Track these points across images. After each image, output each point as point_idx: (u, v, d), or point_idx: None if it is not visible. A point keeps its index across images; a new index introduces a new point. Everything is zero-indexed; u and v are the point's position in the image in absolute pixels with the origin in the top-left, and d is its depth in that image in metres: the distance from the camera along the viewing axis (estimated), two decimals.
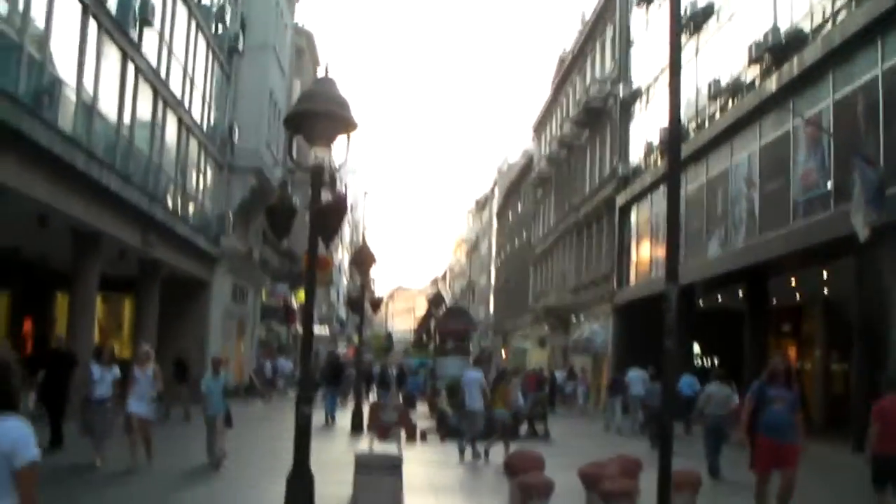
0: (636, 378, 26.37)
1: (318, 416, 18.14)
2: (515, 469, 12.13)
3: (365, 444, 20.92)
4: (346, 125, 9.40)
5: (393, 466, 10.14)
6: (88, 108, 19.52)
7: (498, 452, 17.04)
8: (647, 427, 23.60)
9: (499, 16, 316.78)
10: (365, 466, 9.99)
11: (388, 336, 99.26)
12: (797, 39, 22.92)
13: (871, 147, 18.56)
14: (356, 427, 23.54)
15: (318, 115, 9.27)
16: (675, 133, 8.02)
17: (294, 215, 10.41)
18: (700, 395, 18.79)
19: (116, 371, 14.80)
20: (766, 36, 24.22)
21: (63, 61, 18.06)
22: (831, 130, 20.67)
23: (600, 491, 11.01)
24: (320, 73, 9.70)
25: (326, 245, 14.04)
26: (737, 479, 15.53)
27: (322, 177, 9.67)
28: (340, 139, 9.73)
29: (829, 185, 20.92)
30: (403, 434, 22.68)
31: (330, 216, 9.97)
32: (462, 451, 18.22)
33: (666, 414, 7.62)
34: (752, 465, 11.06)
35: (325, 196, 9.64)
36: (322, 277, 32.49)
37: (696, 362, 32.43)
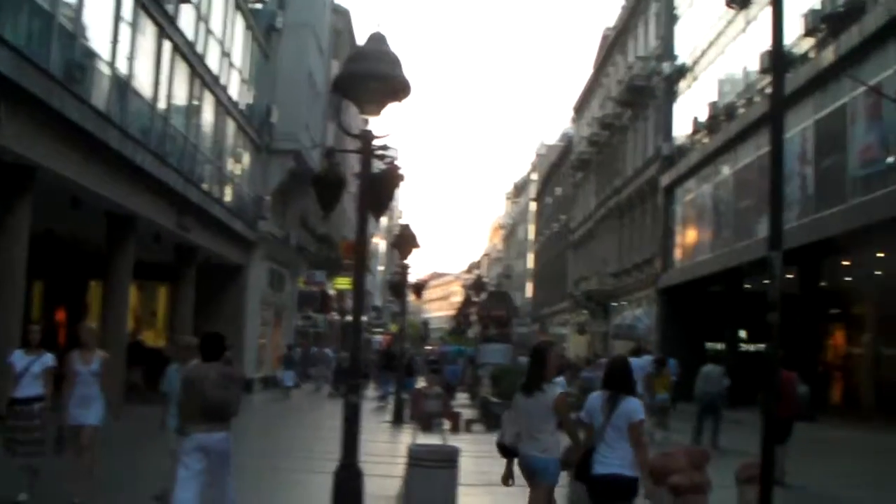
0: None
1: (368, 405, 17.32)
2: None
3: (408, 435, 20.26)
4: (399, 88, 8.67)
5: (449, 459, 9.41)
6: (123, 85, 18.93)
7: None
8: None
9: None
10: (419, 459, 9.27)
11: (425, 324, 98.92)
12: (855, 7, 21.91)
13: None
14: (397, 417, 22.95)
15: (370, 77, 8.55)
16: (778, 58, 7.20)
17: (343, 186, 9.62)
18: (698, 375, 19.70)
19: (48, 359, 10.15)
20: (822, 4, 23.24)
21: (96, 35, 17.43)
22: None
23: (670, 485, 10.32)
24: (372, 31, 8.90)
25: (377, 219, 13.33)
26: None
27: (372, 143, 8.98)
28: (390, 107, 9.01)
29: (891, 158, 19.92)
30: (448, 424, 22.02)
31: (381, 187, 9.18)
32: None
33: (769, 399, 6.85)
34: None
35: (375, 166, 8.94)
36: None
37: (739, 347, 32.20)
